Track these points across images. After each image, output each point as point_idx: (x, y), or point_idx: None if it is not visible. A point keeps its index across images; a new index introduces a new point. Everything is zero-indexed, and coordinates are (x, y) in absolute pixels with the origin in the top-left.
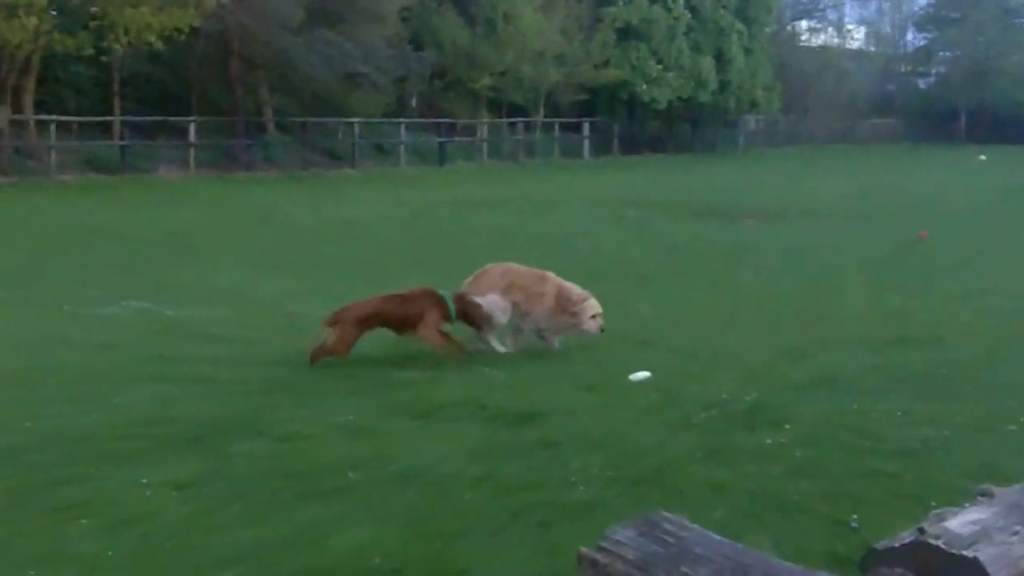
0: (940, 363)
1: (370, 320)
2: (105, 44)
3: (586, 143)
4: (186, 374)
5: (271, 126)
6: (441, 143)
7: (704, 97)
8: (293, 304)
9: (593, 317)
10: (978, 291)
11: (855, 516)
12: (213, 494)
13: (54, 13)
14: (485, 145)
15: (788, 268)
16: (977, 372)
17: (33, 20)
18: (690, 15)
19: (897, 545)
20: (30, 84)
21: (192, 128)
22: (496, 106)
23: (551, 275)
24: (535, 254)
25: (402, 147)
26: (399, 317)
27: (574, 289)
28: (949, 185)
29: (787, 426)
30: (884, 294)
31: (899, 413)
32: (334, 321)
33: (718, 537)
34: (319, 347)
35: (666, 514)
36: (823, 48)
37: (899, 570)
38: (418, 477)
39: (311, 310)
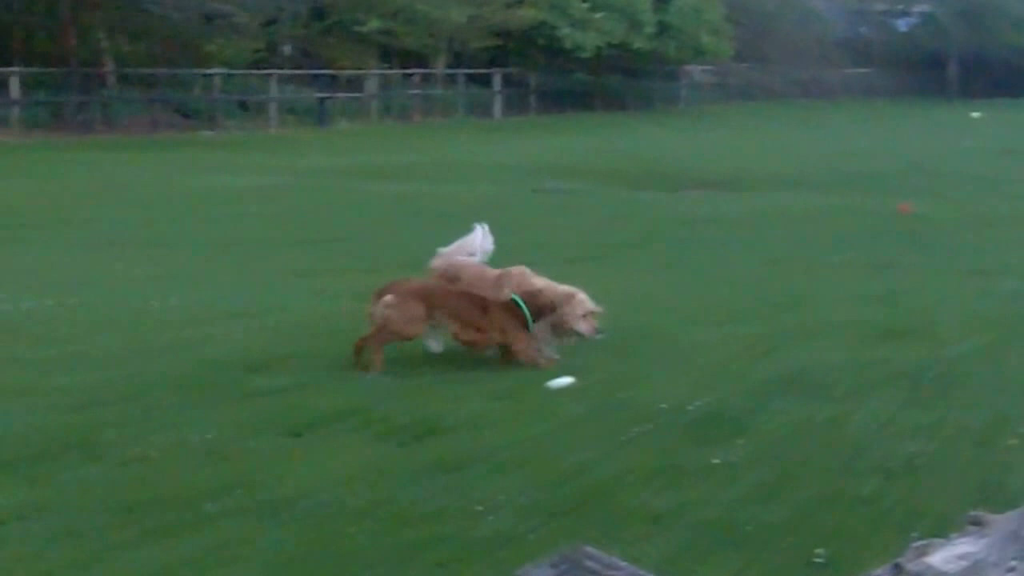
0: (930, 360)
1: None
2: None
3: (497, 99)
4: (1, 383)
5: (112, 79)
6: (321, 99)
7: (639, 43)
8: (144, 293)
9: (584, 316)
10: (978, 271)
11: (822, 550)
12: (37, 532)
13: None
14: (375, 101)
15: (746, 246)
16: (975, 371)
17: None
18: None
19: None
20: None
21: (14, 82)
22: (388, 54)
23: (518, 270)
24: (438, 234)
25: (273, 104)
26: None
27: (555, 285)
28: (938, 147)
29: (742, 440)
30: (864, 276)
31: (879, 423)
32: (385, 294)
33: None
34: (378, 331)
35: (591, 550)
36: None
37: None
38: (290, 508)
39: (167, 300)
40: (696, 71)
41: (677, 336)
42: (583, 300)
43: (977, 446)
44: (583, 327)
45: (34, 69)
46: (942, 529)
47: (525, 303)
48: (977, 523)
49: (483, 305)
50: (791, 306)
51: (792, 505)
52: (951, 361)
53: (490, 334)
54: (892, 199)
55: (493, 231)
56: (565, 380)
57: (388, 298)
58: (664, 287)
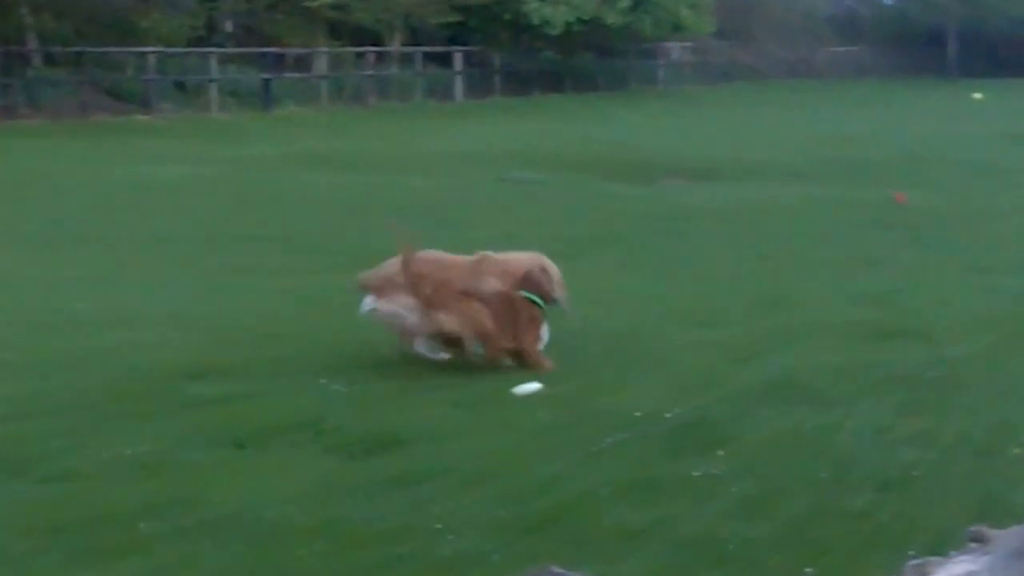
0: (928, 363)
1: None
2: None
3: (458, 80)
4: None
5: (36, 58)
6: (266, 80)
7: (612, 18)
8: (72, 294)
9: (559, 282)
10: (979, 267)
11: (811, 569)
12: None
13: None
14: (325, 83)
15: (728, 241)
16: (976, 375)
17: None
18: None
19: None
20: None
21: None
22: (339, 31)
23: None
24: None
25: (213, 86)
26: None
27: (518, 256)
28: (936, 131)
29: (725, 451)
30: (856, 273)
31: (872, 431)
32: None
33: None
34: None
35: (560, 571)
36: None
37: None
38: (233, 528)
39: (97, 302)
40: (674, 49)
41: (654, 339)
42: (550, 264)
43: (978, 456)
44: (560, 294)
45: None
46: (941, 546)
47: (533, 293)
48: (978, 539)
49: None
50: (777, 306)
51: (779, 520)
52: (950, 364)
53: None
54: (886, 189)
55: (453, 225)
56: (532, 386)
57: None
58: (639, 286)
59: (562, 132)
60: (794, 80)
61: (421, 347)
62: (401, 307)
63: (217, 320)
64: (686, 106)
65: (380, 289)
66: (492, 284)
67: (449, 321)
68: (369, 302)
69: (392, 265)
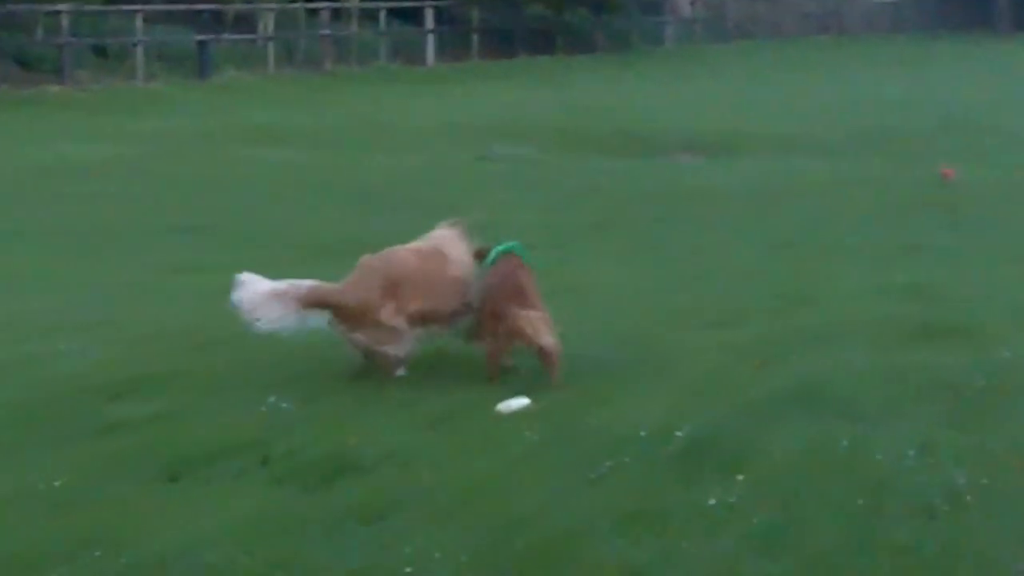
0: (975, 367)
1: None
2: None
3: (430, 40)
4: None
5: None
6: (202, 43)
7: None
8: None
9: None
10: None
11: None
12: None
13: None
14: (272, 45)
15: (744, 227)
16: None
17: None
18: None
19: None
20: None
21: None
22: None
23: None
24: (354, 215)
25: (139, 49)
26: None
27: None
28: (984, 96)
29: (743, 474)
30: (893, 263)
31: (914, 447)
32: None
33: None
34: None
35: None
36: None
37: None
38: (165, 571)
39: (3, 307)
40: (685, 4)
41: (659, 342)
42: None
43: None
44: None
45: None
46: None
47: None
48: None
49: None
50: (801, 301)
51: (806, 555)
52: (1001, 368)
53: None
54: (925, 164)
55: (423, 210)
56: (519, 401)
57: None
58: (642, 280)
59: (553, 101)
60: (822, 38)
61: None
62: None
63: (146, 327)
64: (698, 69)
65: (356, 319)
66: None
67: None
68: (342, 331)
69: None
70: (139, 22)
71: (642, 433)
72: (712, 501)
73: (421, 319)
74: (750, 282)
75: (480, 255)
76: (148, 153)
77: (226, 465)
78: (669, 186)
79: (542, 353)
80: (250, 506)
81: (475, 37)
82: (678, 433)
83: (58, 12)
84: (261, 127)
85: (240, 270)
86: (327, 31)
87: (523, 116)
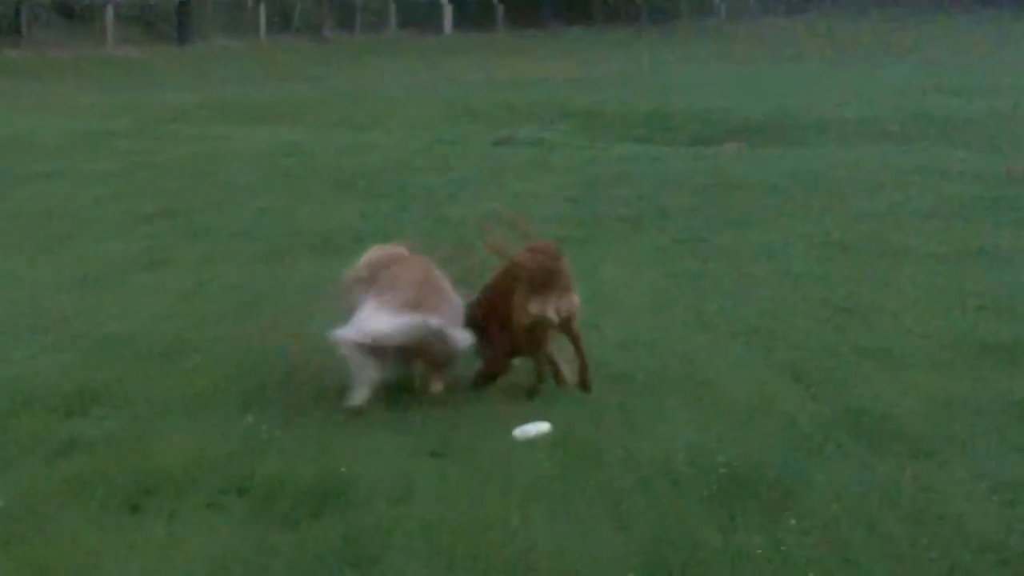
0: None
1: None
2: None
3: (447, 9)
4: None
5: None
6: (183, 4)
7: None
8: None
9: None
10: None
11: None
12: None
13: None
14: (263, 8)
15: (794, 223)
16: None
17: None
18: None
19: None
20: None
21: None
22: None
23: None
24: (348, 204)
25: (109, 11)
26: None
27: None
28: None
29: (793, 514)
30: (963, 268)
31: (991, 485)
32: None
33: None
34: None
35: None
36: None
37: None
38: None
39: None
40: None
41: (694, 356)
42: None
43: None
44: None
45: None
46: None
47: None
48: None
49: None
50: (856, 313)
51: None
52: None
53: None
54: (1001, 156)
55: (427, 199)
56: (538, 427)
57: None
58: (677, 284)
59: (585, 79)
60: (892, 9)
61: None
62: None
63: (102, 331)
64: (751, 47)
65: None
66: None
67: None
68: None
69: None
70: None
71: (676, 464)
72: (759, 544)
73: None
74: (798, 289)
75: None
76: (116, 129)
77: (196, 496)
78: (710, 176)
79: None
80: (221, 543)
81: (499, 6)
82: (718, 464)
83: None
84: (248, 102)
85: (208, 265)
86: None
87: (551, 95)
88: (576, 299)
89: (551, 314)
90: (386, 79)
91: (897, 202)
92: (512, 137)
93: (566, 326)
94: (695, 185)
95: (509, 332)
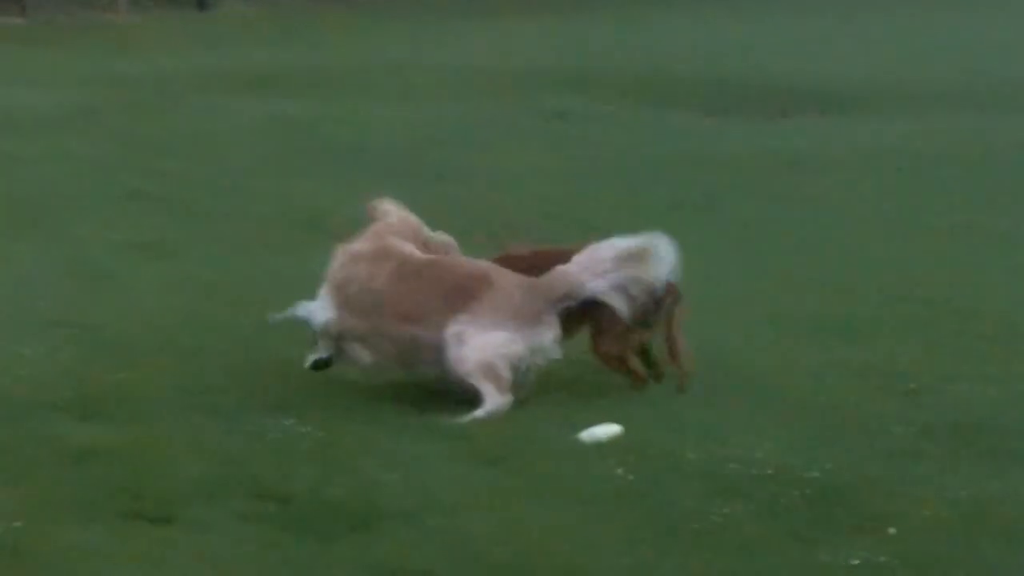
0: None
1: None
2: None
3: None
4: None
5: None
6: None
7: None
8: None
9: None
10: None
11: None
12: None
13: None
14: None
15: (880, 207)
16: None
17: None
18: None
19: None
20: None
21: None
22: None
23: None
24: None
25: None
26: None
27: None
28: None
29: (895, 527)
30: None
31: None
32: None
33: None
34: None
35: None
36: None
37: None
38: None
39: None
40: None
41: (771, 359)
42: None
43: None
44: None
45: None
46: None
47: None
48: None
49: None
50: (953, 309)
51: None
52: None
53: None
54: None
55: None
56: (607, 429)
57: None
58: (746, 276)
59: (633, 40)
60: None
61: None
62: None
63: (106, 325)
64: (825, 2)
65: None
66: None
67: None
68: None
69: None
70: None
71: (765, 472)
72: (856, 561)
73: None
74: (884, 282)
75: None
76: (122, 103)
77: (219, 505)
78: (779, 152)
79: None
80: (251, 560)
81: None
82: (807, 475)
83: None
84: (267, 72)
85: (220, 250)
86: None
87: (596, 60)
88: None
89: None
90: (416, 43)
91: (984, 177)
92: (559, 111)
93: None
94: (762, 163)
95: None
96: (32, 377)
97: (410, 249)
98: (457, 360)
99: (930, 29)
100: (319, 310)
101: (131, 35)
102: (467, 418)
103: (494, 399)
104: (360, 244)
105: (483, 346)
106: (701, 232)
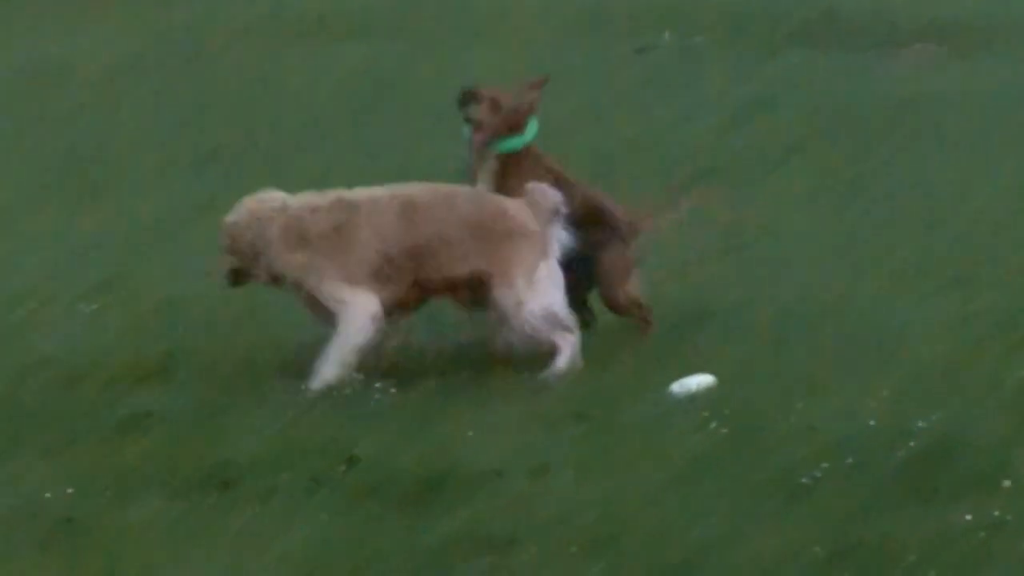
0: None
1: None
2: None
3: None
4: None
5: None
6: None
7: None
8: None
9: None
10: None
11: None
12: None
13: None
14: None
15: (1000, 154)
16: None
17: None
18: None
19: None
20: None
21: None
22: None
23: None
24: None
25: None
26: None
27: None
28: None
29: (1008, 481)
30: None
31: None
32: None
33: None
34: None
35: None
36: None
37: None
38: None
39: None
40: None
41: (874, 312)
42: None
43: None
44: None
45: None
46: None
47: None
48: None
49: None
50: None
51: None
52: None
53: None
54: None
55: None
56: (700, 380)
57: None
58: (847, 227)
59: None
60: None
61: None
62: None
63: (162, 289)
64: None
65: None
66: None
67: None
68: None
69: None
70: None
71: (867, 425)
72: (969, 517)
73: None
74: (998, 234)
75: None
76: (167, 51)
77: (292, 472)
78: (892, 93)
79: None
80: (323, 530)
81: None
82: (914, 430)
83: None
84: (330, 13)
85: None
86: None
87: None
88: None
89: None
90: None
91: None
92: (651, 46)
93: None
94: (873, 104)
95: None
96: (69, 346)
97: None
98: (520, 323)
99: None
100: None
101: None
102: (548, 373)
103: (568, 345)
104: None
105: (538, 299)
106: (797, 178)
